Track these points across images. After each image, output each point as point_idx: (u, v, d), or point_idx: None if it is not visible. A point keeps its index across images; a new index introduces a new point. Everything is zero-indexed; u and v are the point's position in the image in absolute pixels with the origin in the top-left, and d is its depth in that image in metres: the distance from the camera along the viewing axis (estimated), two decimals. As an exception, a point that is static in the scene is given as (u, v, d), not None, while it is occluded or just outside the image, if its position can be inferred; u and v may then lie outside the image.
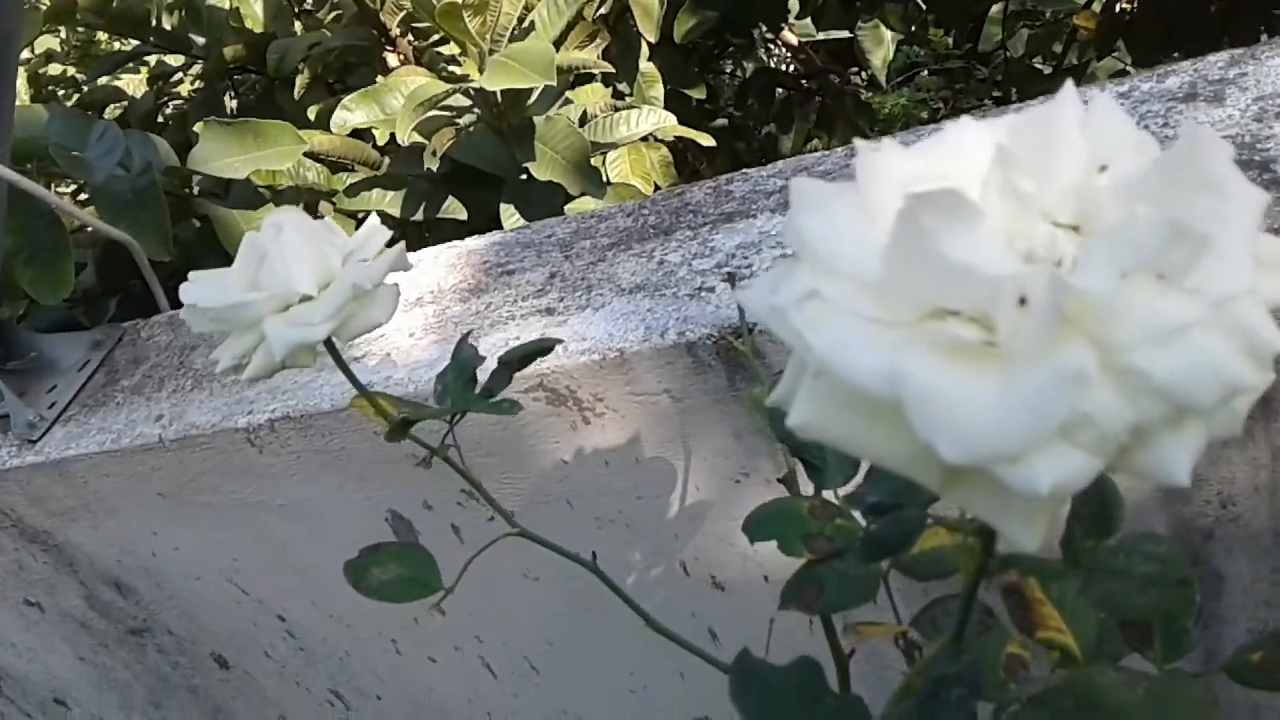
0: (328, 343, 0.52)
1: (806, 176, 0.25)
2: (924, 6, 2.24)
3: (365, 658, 1.08)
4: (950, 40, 3.34)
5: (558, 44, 1.17)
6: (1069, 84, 0.24)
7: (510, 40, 1.14)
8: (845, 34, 2.28)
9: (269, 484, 0.89)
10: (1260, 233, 0.22)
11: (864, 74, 2.54)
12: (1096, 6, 2.23)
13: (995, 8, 2.38)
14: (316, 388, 0.83)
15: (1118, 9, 2.01)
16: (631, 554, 0.85)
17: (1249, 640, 0.31)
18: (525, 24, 1.19)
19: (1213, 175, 0.21)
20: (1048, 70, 2.45)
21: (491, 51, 1.12)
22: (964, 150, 0.24)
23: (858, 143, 0.25)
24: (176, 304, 1.14)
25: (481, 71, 1.11)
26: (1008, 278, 0.21)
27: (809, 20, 2.30)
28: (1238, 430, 0.21)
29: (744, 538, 0.84)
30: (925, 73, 3.54)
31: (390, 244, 0.52)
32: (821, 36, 2.34)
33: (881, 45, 2.32)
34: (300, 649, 1.09)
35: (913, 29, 2.39)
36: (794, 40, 2.41)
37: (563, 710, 1.07)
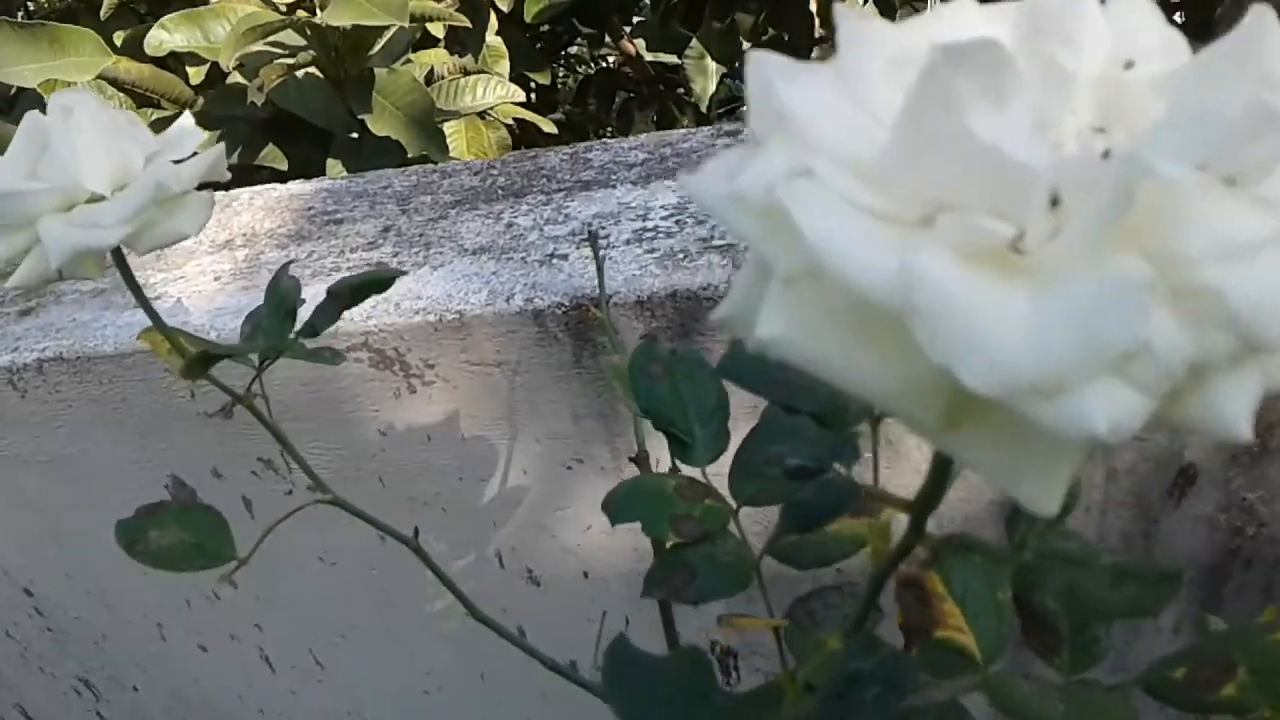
0: (118, 256, 0.44)
1: (764, 52, 0.20)
2: (754, 39, 2.27)
3: (124, 643, 0.96)
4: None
5: (410, -9, 1.10)
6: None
7: (358, -20, 1.05)
8: (674, 59, 2.32)
9: (29, 435, 0.77)
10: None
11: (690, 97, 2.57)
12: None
13: (819, 50, 2.44)
14: (98, 328, 0.72)
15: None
16: (445, 540, 0.79)
17: (1172, 653, 0.28)
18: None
19: (1278, 68, 0.17)
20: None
21: (337, -13, 1.04)
22: (967, 27, 0.20)
23: (839, 8, 0.20)
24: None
25: (323, 9, 1.02)
26: (1049, 167, 0.17)
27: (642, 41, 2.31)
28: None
29: (567, 529, 0.79)
30: (745, 108, 3.63)
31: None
32: (650, 58, 2.37)
33: (704, 75, 2.36)
34: (48, 629, 0.96)
35: (736, 64, 2.42)
36: (631, 50, 2.40)
37: (347, 711, 0.98)
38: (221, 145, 0.41)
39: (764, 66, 0.20)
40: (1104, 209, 0.16)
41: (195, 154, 0.43)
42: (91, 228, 0.40)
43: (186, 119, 0.46)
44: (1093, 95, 0.19)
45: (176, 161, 0.42)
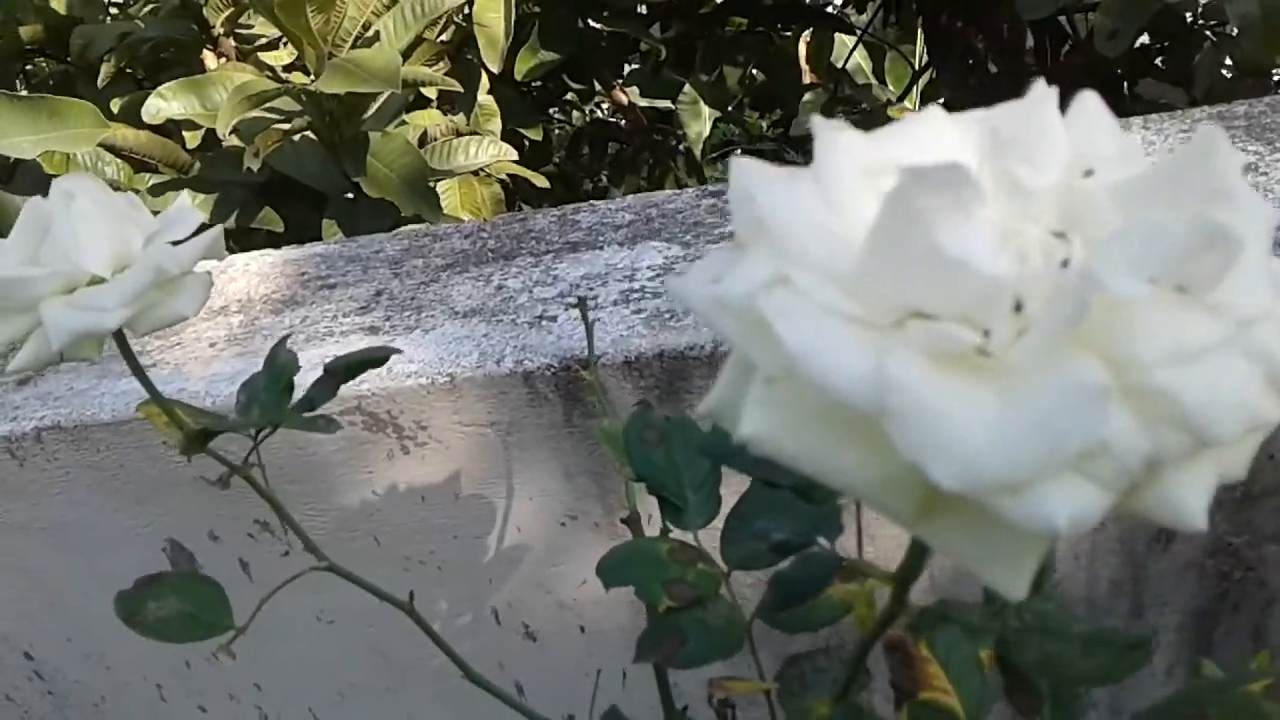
0: (119, 336, 0.45)
1: (746, 159, 0.22)
2: (743, 89, 2.31)
3: (124, 705, 0.96)
4: (764, 124, 3.47)
5: (403, 57, 1.12)
6: (1042, 81, 0.22)
7: (352, 48, 1.08)
8: (667, 104, 2.34)
9: (28, 503, 0.78)
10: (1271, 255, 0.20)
11: (682, 145, 2.60)
12: (910, 102, 2.35)
13: (810, 95, 2.47)
14: (95, 396, 0.73)
15: (941, 103, 2.11)
16: (440, 598, 0.79)
17: (1148, 708, 0.29)
18: (369, 33, 1.13)
19: (1226, 184, 0.19)
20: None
21: (331, 55, 1.06)
22: (938, 141, 0.21)
23: (815, 120, 0.22)
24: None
25: (318, 75, 1.04)
26: (1011, 277, 0.18)
27: (634, 89, 2.34)
28: (1244, 473, 0.19)
29: (563, 585, 0.80)
30: (739, 151, 3.66)
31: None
32: (644, 103, 2.39)
33: (699, 120, 2.39)
34: (49, 692, 0.96)
35: (729, 108, 2.46)
36: (624, 99, 2.43)
37: (347, 769, 0.98)
38: (219, 227, 0.43)
39: (745, 174, 0.21)
40: (1061, 319, 0.17)
41: (196, 233, 0.45)
42: (92, 311, 0.41)
43: (185, 199, 0.47)
44: (1054, 203, 0.20)
45: (176, 243, 0.44)
